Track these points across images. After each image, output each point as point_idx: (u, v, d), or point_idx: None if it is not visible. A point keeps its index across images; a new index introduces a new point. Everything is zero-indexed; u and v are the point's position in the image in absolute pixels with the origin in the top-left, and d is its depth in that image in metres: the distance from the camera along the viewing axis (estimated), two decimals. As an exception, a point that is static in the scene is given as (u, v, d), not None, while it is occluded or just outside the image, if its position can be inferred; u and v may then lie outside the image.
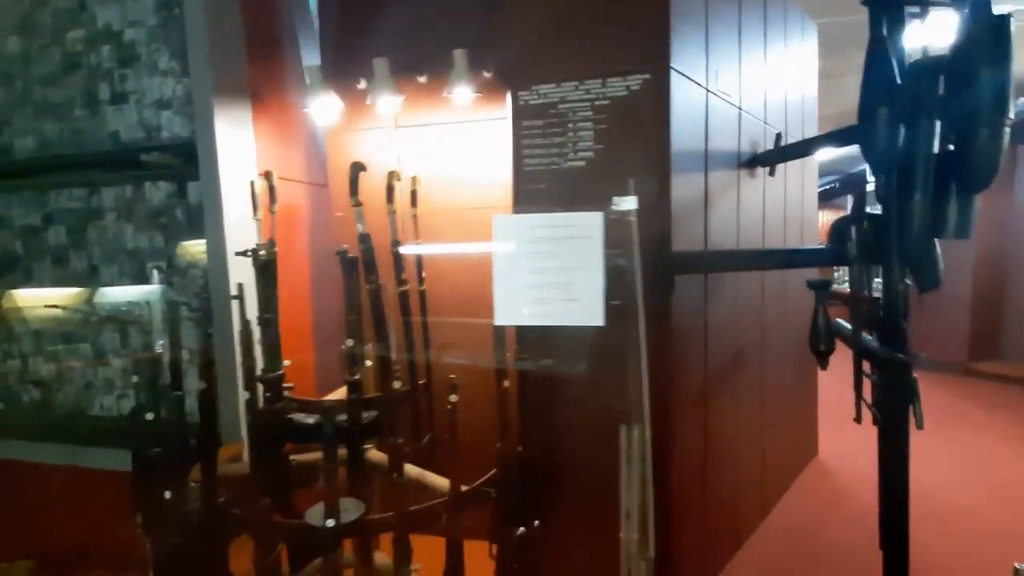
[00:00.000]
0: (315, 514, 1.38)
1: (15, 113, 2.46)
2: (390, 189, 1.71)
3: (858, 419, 1.92)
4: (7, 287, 2.53)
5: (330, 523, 1.27)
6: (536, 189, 1.83)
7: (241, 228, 2.17)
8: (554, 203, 1.81)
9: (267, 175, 1.72)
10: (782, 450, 2.93)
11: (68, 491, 2.46)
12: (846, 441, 3.05)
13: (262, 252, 1.61)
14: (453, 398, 1.32)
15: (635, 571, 1.65)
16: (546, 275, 1.06)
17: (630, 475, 1.79)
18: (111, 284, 2.39)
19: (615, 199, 1.15)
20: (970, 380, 5.08)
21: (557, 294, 1.06)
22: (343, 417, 1.68)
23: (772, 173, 2.48)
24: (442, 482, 1.61)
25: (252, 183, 1.79)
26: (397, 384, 1.74)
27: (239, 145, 2.17)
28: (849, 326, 1.63)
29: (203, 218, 2.21)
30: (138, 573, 2.33)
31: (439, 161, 2.32)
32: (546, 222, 1.08)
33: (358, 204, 1.61)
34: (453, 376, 1.32)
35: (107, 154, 2.33)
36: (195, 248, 2.26)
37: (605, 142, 1.78)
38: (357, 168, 1.60)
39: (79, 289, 2.44)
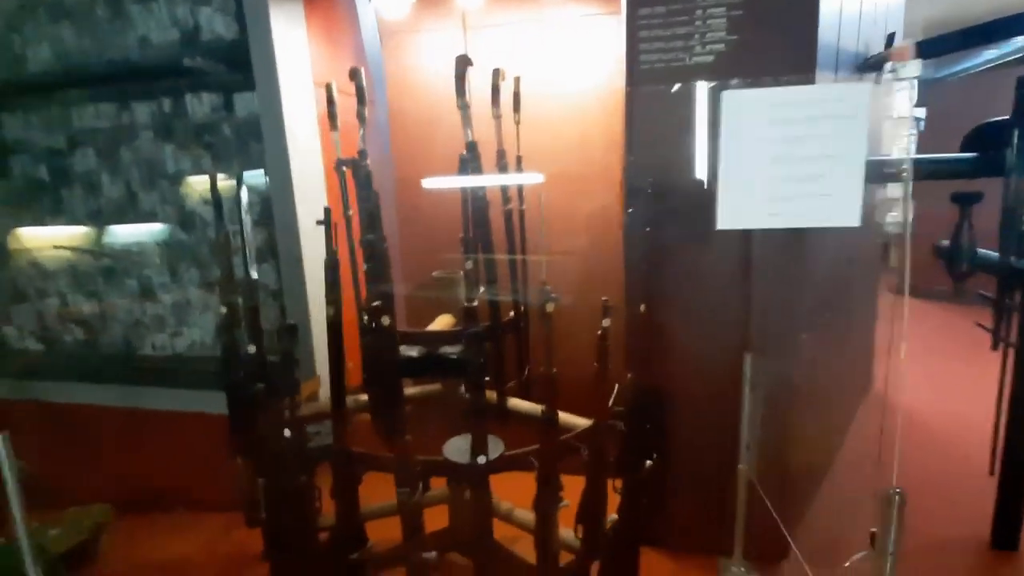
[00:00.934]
0: (454, 449, 1.26)
1: (26, 18, 2.14)
2: (495, 90, 1.48)
3: (995, 346, 1.81)
4: (36, 218, 2.29)
5: (481, 460, 1.14)
6: (654, 91, 1.60)
7: (304, 145, 1.95)
8: (674, 107, 1.59)
9: (355, 73, 1.46)
10: (852, 382, 2.86)
11: (126, 433, 2.35)
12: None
13: (365, 163, 1.40)
14: (606, 323, 1.16)
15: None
16: (790, 165, 0.87)
17: (752, 405, 1.69)
18: (153, 213, 2.17)
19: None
20: None
21: (804, 189, 0.87)
22: (450, 349, 1.53)
23: (879, 81, 2.24)
24: (566, 417, 1.49)
25: (329, 86, 1.54)
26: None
27: (293, 49, 1.90)
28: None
29: (253, 135, 1.98)
30: (212, 512, 2.27)
31: (512, 66, 2.06)
32: (795, 97, 0.88)
33: (466, 106, 1.38)
34: (606, 298, 1.16)
35: (136, 62, 2.05)
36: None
37: (740, 32, 1.53)
38: (464, 63, 1.36)
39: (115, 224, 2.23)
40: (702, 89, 1.53)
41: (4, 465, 1.20)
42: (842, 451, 2.53)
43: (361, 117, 1.46)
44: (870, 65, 2.16)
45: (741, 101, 0.95)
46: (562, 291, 1.68)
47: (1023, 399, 1.72)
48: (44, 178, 2.24)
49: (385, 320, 1.29)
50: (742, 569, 1.76)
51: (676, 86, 1.56)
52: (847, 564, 0.87)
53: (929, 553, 1.83)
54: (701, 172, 1.58)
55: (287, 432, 1.30)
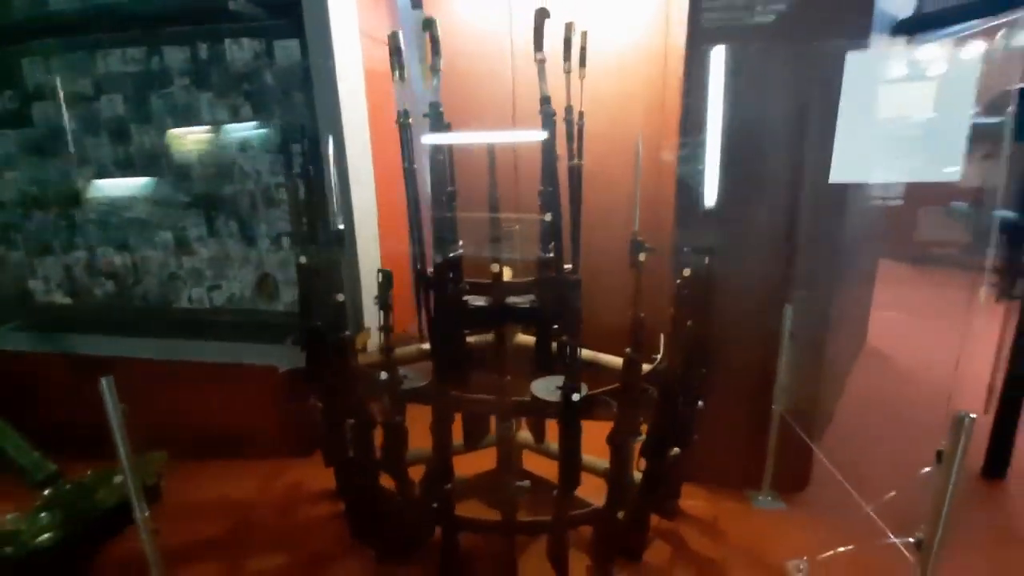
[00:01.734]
0: (540, 390, 1.35)
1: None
2: (567, 43, 1.48)
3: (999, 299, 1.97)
4: (62, 168, 2.22)
5: (576, 397, 1.23)
6: (714, 50, 1.64)
7: (351, 96, 1.93)
8: (735, 66, 1.64)
9: (429, 23, 1.44)
10: (855, 338, 3.06)
11: (165, 384, 2.38)
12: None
13: (441, 114, 1.40)
14: (687, 272, 1.25)
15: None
16: (901, 123, 0.94)
17: (790, 352, 1.83)
18: (186, 164, 2.12)
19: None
20: None
21: (911, 146, 0.95)
22: (518, 299, 1.60)
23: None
24: (616, 361, 1.59)
25: (392, 36, 1.51)
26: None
27: (342, -5, 1.85)
28: None
29: (294, 84, 1.94)
30: (256, 458, 2.33)
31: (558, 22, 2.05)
32: (910, 59, 0.94)
33: (543, 60, 1.39)
34: (687, 248, 1.23)
35: (170, 4, 1.96)
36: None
37: (802, -7, 1.57)
38: (543, 15, 1.37)
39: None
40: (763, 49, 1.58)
41: (109, 407, 1.24)
42: (843, 398, 2.74)
43: (435, 69, 1.46)
44: (905, 27, 2.22)
45: (861, 62, 1.01)
46: (613, 245, 1.75)
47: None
48: (68, 126, 2.16)
49: (456, 271, 1.35)
50: (769, 498, 1.95)
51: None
52: (922, 472, 0.99)
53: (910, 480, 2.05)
54: (759, 131, 1.65)
55: (384, 374, 1.37)
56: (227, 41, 1.94)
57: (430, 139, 1.46)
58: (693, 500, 1.93)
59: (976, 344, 2.13)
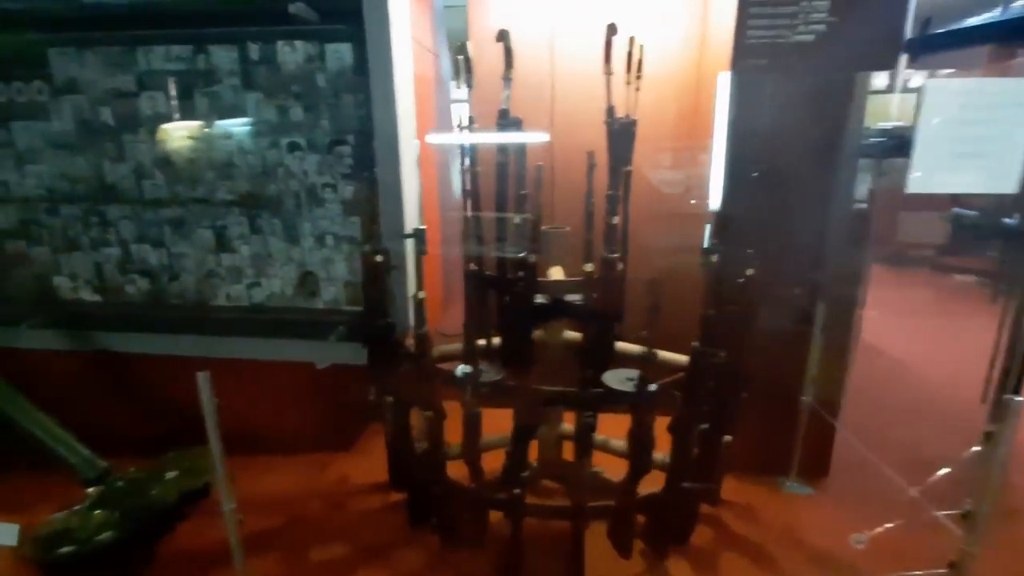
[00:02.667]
0: (612, 380, 1.43)
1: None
2: (609, 47, 1.56)
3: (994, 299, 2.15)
4: (95, 163, 2.20)
5: (653, 387, 1.33)
6: (757, 65, 1.75)
7: (402, 102, 1.98)
8: (773, 81, 1.76)
9: (503, 35, 1.51)
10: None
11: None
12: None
13: (518, 121, 1.47)
14: (750, 272, 1.35)
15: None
16: (968, 142, 1.07)
17: (822, 345, 1.96)
18: (231, 163, 2.13)
19: None
20: None
21: (976, 162, 1.08)
22: (574, 296, 1.69)
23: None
24: (676, 357, 1.69)
25: (461, 48, 1.58)
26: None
27: (397, 2, 1.89)
28: None
29: (346, 87, 1.98)
30: (297, 453, 2.34)
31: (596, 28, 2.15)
32: (978, 88, 1.07)
33: (611, 73, 1.48)
34: (751, 251, 1.33)
35: (219, 3, 1.97)
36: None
37: (840, 15, 1.70)
38: (612, 31, 1.45)
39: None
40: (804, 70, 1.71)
41: (205, 402, 1.27)
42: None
43: (507, 79, 1.53)
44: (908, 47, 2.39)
45: (938, 89, 1.14)
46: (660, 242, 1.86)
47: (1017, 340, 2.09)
48: (104, 121, 2.14)
49: (526, 271, 1.43)
50: (797, 484, 2.08)
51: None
52: (969, 453, 1.12)
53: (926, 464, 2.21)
54: (796, 143, 1.78)
55: (463, 368, 1.43)
56: (279, 43, 1.97)
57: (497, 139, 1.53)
58: (726, 486, 2.05)
59: (970, 340, 2.31)
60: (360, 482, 2.09)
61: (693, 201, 2.25)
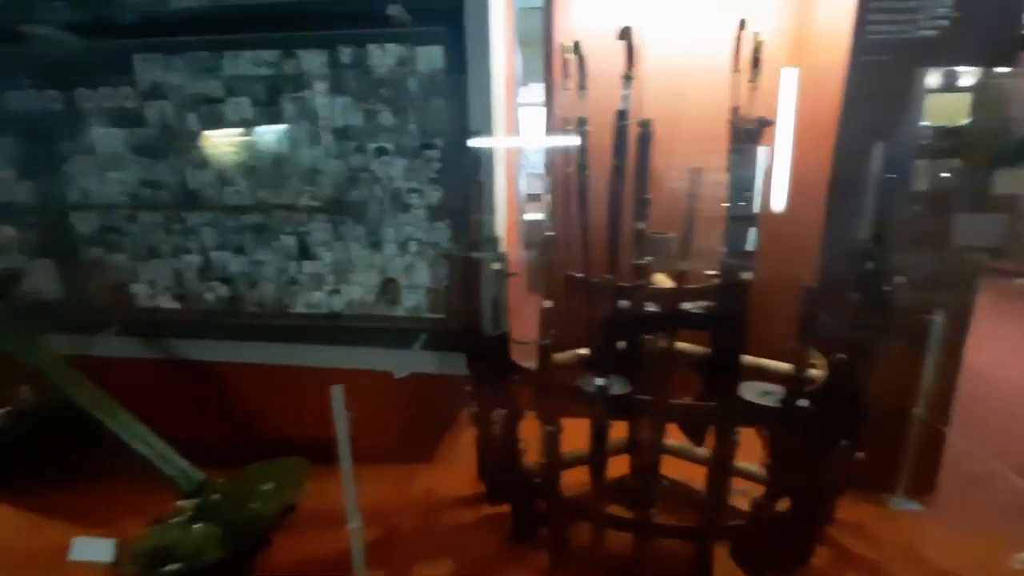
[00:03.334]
0: (749, 394, 1.37)
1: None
2: (739, 43, 1.50)
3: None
4: (177, 169, 2.18)
5: (803, 402, 1.25)
6: (878, 61, 1.68)
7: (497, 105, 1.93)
8: (894, 78, 1.68)
9: (625, 33, 1.45)
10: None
11: (276, 389, 2.35)
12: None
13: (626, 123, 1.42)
14: (870, 265, 1.28)
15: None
16: None
17: (932, 361, 1.88)
18: (314, 168, 2.10)
19: None
20: None
21: None
22: (690, 305, 1.62)
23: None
24: (780, 366, 1.62)
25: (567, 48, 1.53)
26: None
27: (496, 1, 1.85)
28: None
29: (437, 90, 1.94)
30: (375, 464, 2.26)
31: (684, 24, 2.08)
32: None
33: (738, 72, 1.42)
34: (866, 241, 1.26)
35: (309, 5, 1.94)
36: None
37: (964, 10, 1.63)
38: (743, 26, 1.39)
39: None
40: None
41: (338, 415, 1.22)
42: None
43: (628, 77, 1.48)
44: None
45: None
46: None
47: None
48: (188, 127, 2.12)
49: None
50: (904, 499, 1.99)
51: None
52: None
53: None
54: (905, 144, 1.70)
55: (591, 381, 1.37)
56: (370, 46, 1.94)
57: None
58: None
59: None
60: (448, 494, 2.03)
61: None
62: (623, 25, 1.46)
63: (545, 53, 2.26)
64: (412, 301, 2.21)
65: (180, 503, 1.81)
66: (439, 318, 2.21)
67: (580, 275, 1.73)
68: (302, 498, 1.70)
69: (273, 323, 2.29)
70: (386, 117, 2.00)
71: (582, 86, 1.60)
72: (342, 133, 2.05)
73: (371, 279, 2.21)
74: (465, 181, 1.99)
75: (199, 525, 1.65)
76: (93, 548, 1.68)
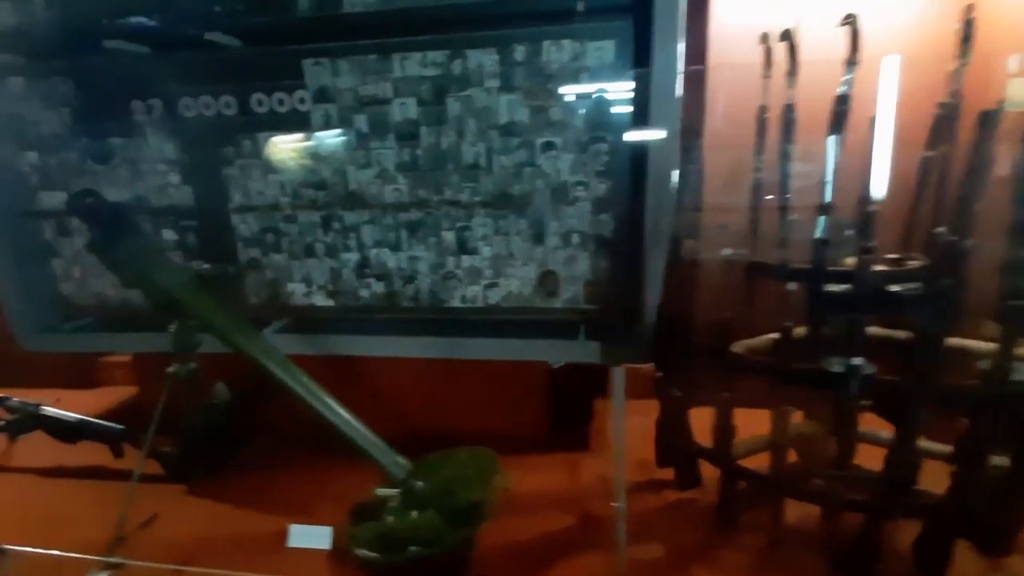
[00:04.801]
0: None
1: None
2: (969, 26, 1.50)
3: None
4: (338, 170, 2.24)
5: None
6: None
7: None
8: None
9: (787, 33, 1.48)
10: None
11: (435, 381, 2.41)
12: None
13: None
14: None
15: None
16: None
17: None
18: (476, 165, 2.15)
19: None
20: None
21: None
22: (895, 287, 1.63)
23: None
24: (984, 346, 1.63)
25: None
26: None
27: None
28: None
29: (604, 84, 1.98)
30: (534, 454, 2.30)
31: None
32: None
33: (966, 62, 1.43)
34: None
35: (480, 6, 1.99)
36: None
37: None
38: (969, 10, 1.40)
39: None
40: None
41: (617, 397, 1.26)
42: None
43: (792, 74, 1.50)
44: None
45: None
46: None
47: None
48: (355, 128, 2.18)
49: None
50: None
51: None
52: None
53: None
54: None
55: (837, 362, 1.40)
56: (545, 43, 1.98)
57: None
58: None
59: None
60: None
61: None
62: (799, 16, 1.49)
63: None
64: (570, 292, 2.25)
65: (381, 491, 1.87)
66: (596, 309, 2.25)
67: (775, 261, 1.75)
68: (507, 484, 1.74)
69: (428, 317, 2.36)
70: (555, 112, 2.05)
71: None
72: (508, 129, 2.10)
73: (530, 272, 2.25)
74: (635, 173, 2.03)
75: (415, 512, 1.71)
76: (310, 535, 1.74)
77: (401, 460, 1.75)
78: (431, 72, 2.09)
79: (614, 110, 2.01)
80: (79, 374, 3.13)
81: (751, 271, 1.83)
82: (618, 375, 1.23)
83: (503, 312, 2.31)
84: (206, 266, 1.88)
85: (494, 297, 2.31)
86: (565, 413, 2.47)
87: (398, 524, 1.67)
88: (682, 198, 1.79)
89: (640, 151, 1.97)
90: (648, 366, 2.72)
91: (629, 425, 2.50)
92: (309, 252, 2.38)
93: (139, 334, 2.47)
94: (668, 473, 2.02)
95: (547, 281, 2.26)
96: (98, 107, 2.32)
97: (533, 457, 2.20)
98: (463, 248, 2.27)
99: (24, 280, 2.53)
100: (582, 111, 2.03)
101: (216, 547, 1.77)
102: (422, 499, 1.73)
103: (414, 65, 2.10)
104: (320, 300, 2.43)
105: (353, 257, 2.35)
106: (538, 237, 2.20)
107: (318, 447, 2.31)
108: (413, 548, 1.55)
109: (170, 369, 1.75)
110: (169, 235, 2.44)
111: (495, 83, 2.04)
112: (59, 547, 1.54)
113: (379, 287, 2.37)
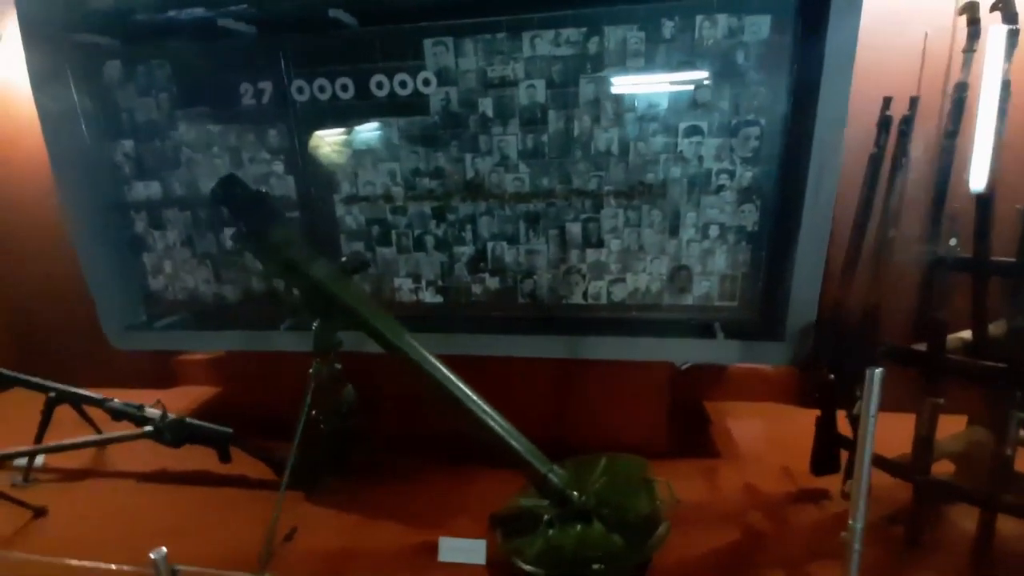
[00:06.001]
0: None
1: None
2: None
3: None
4: (455, 158, 2.11)
5: None
6: None
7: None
8: None
9: (969, 7, 1.35)
10: None
11: (550, 382, 2.28)
12: None
13: None
14: None
15: None
16: None
17: None
18: (608, 151, 2.01)
19: None
20: None
21: None
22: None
23: None
24: None
25: None
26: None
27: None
28: None
29: (762, 63, 1.83)
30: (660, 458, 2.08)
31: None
32: None
33: None
34: None
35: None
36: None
37: None
38: None
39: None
40: None
41: (870, 401, 1.12)
42: None
43: (969, 51, 1.35)
44: None
45: None
46: None
47: None
48: (476, 113, 2.04)
49: None
50: None
51: None
52: None
53: None
54: None
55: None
56: (699, 17, 1.83)
57: None
58: None
59: None
60: (775, 490, 1.92)
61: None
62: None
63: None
64: (702, 289, 2.11)
65: (525, 501, 1.74)
66: (732, 306, 2.11)
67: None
68: (676, 495, 1.60)
69: (545, 315, 2.22)
70: (703, 94, 1.90)
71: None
72: (646, 113, 1.95)
73: (659, 267, 2.11)
74: (791, 161, 1.88)
75: (579, 526, 1.57)
76: (463, 549, 1.62)
77: (559, 470, 1.62)
78: (565, 51, 1.95)
79: (771, 91, 1.86)
80: (152, 372, 3.02)
81: (955, 266, 1.66)
82: (875, 376, 1.09)
83: (629, 309, 2.17)
84: (343, 258, 1.74)
85: (619, 294, 2.17)
86: (680, 417, 2.34)
87: (564, 539, 1.54)
88: (881, 190, 1.63)
89: (800, 136, 1.83)
90: (752, 366, 2.61)
91: (749, 430, 2.40)
92: (419, 245, 2.25)
93: (233, 332, 2.36)
94: (820, 482, 1.89)
95: (678, 277, 2.11)
96: (199, 92, 2.19)
97: (668, 463, 2.05)
98: (588, 241, 2.13)
99: (114, 275, 2.42)
100: (733, 92, 1.89)
101: (362, 562, 1.63)
102: (583, 511, 1.60)
103: (545, 44, 1.96)
104: (429, 296, 2.31)
105: (467, 251, 2.21)
106: (672, 229, 2.06)
107: (432, 453, 2.21)
108: (597, 567, 1.42)
109: (312, 370, 1.63)
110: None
111: (638, 62, 1.90)
112: (194, 560, 1.42)
113: (493, 283, 2.24)
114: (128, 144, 2.30)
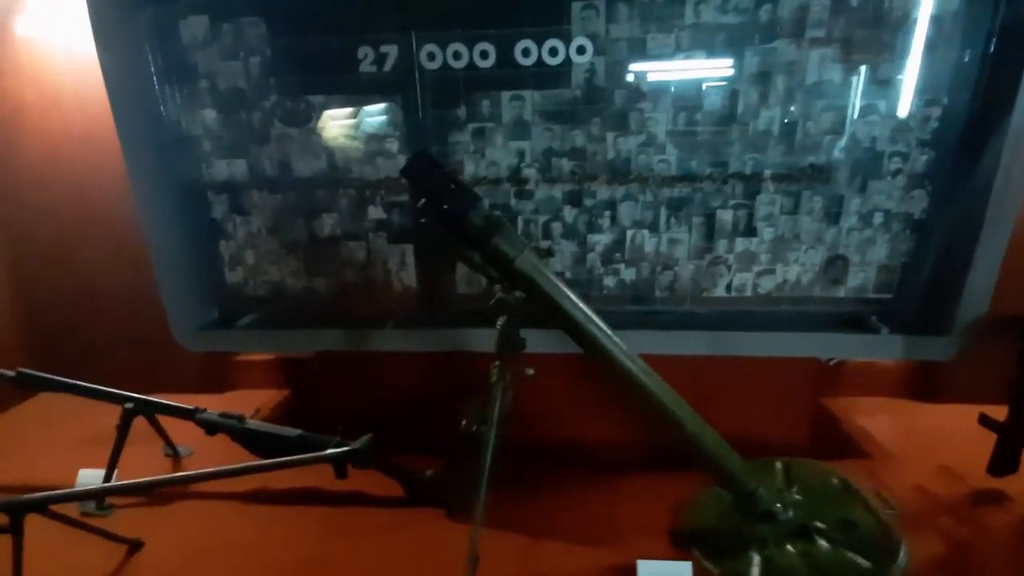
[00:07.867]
0: None
1: None
2: None
3: None
4: (595, 137, 1.90)
5: None
6: None
7: None
8: None
9: None
10: None
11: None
12: None
13: None
14: None
15: None
16: None
17: None
18: (768, 132, 1.84)
19: None
20: None
21: None
22: None
23: None
24: None
25: None
26: None
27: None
28: None
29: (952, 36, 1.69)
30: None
31: None
32: None
33: None
34: None
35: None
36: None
37: None
38: None
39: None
40: None
41: None
42: None
43: None
44: None
45: None
46: None
47: None
48: (623, 87, 1.84)
49: None
50: None
51: None
52: None
53: None
54: None
55: None
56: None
57: None
58: None
59: None
60: (955, 492, 1.82)
61: None
62: None
63: None
64: (857, 280, 1.99)
65: (701, 512, 1.58)
66: (889, 299, 1.99)
67: None
68: (895, 506, 1.47)
69: (685, 309, 2.05)
70: (884, 70, 1.76)
71: None
72: (815, 90, 1.80)
73: (815, 256, 1.97)
74: (977, 144, 1.76)
75: (795, 543, 1.42)
76: (665, 573, 1.45)
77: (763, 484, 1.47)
78: (731, 19, 1.77)
79: (960, 68, 1.73)
80: (206, 375, 2.70)
81: None
82: None
83: (775, 302, 2.03)
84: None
85: (766, 285, 2.03)
86: (815, 414, 2.22)
87: (790, 559, 1.39)
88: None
89: (991, 118, 1.71)
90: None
91: (886, 427, 2.30)
92: (545, 233, 2.04)
93: (329, 331, 2.10)
94: (994, 483, 1.80)
95: (833, 267, 1.98)
96: (299, 56, 1.91)
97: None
98: (737, 229, 1.97)
99: (188, 267, 2.11)
100: (917, 68, 1.75)
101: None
102: (801, 528, 1.45)
103: (710, 11, 1.77)
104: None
105: (601, 239, 2.02)
106: (833, 216, 1.92)
107: (562, 462, 2.02)
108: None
109: (495, 376, 1.41)
110: (375, 213, 2.06)
111: (818, 32, 1.74)
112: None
113: (629, 273, 2.06)
114: (210, 115, 1.99)
